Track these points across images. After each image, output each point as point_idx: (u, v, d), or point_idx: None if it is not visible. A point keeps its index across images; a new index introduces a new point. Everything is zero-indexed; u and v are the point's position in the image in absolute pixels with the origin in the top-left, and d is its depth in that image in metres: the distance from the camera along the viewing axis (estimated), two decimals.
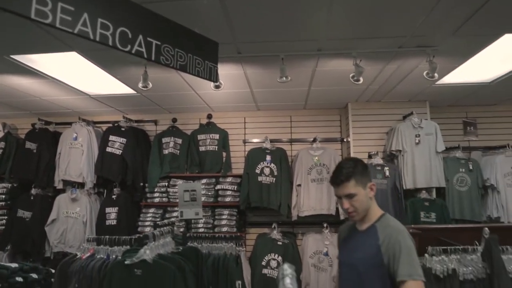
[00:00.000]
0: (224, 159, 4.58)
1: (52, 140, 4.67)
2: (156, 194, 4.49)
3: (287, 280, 0.92)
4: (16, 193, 4.64)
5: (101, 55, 2.93)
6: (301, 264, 4.12)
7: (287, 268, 1.00)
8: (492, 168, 4.19)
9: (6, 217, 4.57)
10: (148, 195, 4.52)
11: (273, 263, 4.07)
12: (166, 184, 4.50)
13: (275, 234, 4.20)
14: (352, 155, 4.35)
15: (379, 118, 4.44)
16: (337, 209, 4.09)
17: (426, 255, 2.11)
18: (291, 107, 4.75)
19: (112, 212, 4.36)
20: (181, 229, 3.49)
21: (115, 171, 4.42)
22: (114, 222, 4.32)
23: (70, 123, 4.64)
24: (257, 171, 4.37)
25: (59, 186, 4.49)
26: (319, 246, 4.15)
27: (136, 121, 4.88)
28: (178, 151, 4.64)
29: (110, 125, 4.67)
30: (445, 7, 2.24)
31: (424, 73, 3.01)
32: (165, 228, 2.48)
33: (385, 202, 3.98)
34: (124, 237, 2.62)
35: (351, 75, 3.05)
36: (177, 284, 2.09)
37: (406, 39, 2.71)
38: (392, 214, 3.95)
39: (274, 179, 4.35)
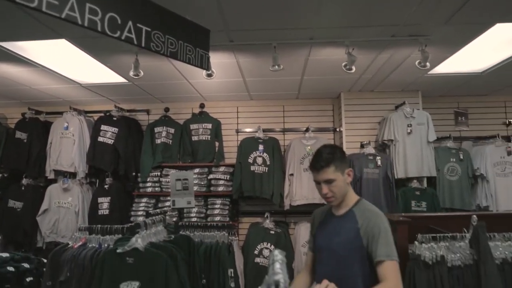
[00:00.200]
0: (216, 148, 4.57)
1: (42, 130, 4.62)
2: (149, 184, 4.48)
3: (277, 265, 0.92)
4: (7, 184, 4.59)
5: (91, 42, 2.88)
6: (293, 253, 4.16)
7: (278, 254, 1.00)
8: (482, 157, 4.24)
9: None
10: (141, 184, 4.51)
11: (266, 252, 4.10)
12: (159, 173, 4.49)
13: (268, 223, 4.23)
14: (344, 144, 4.37)
15: (372, 108, 4.45)
16: None
17: (415, 242, 2.13)
18: (284, 96, 4.75)
19: (104, 202, 4.35)
20: (174, 219, 3.49)
21: (107, 161, 4.39)
22: (106, 212, 4.31)
23: (61, 113, 4.59)
24: (250, 160, 4.38)
25: (51, 176, 4.47)
26: None
27: (128, 111, 4.84)
28: (171, 141, 4.62)
29: (102, 114, 4.63)
30: None
31: (416, 62, 3.02)
32: (157, 216, 2.48)
33: (376, 191, 4.02)
34: (116, 226, 2.61)
35: (343, 64, 3.05)
36: (169, 272, 2.09)
37: (399, 27, 2.70)
38: (384, 203, 4.05)
39: (266, 168, 4.36)
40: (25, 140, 4.54)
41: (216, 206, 4.34)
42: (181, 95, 4.55)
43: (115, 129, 4.46)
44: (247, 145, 4.45)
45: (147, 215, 2.77)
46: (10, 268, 2.46)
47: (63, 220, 4.30)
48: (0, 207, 4.48)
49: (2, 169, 4.67)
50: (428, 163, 4.09)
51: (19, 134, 4.56)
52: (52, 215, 4.31)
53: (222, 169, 4.46)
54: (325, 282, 1.36)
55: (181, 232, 2.71)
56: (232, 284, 2.79)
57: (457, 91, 4.48)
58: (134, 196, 4.54)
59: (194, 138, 4.60)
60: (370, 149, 4.17)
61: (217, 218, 4.27)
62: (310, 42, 2.95)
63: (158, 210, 4.01)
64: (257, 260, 4.10)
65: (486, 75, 3.79)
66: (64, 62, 3.39)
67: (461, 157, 4.24)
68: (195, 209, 4.28)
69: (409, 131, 4.10)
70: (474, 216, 2.10)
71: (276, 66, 3.02)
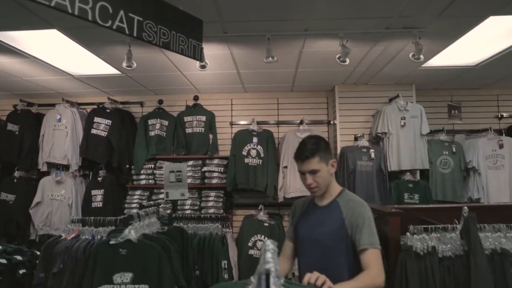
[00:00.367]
0: (210, 141, 4.57)
1: (35, 122, 4.57)
2: (142, 176, 4.47)
3: (268, 255, 0.92)
4: None
5: (83, 33, 2.85)
6: None
7: (269, 244, 1.00)
8: (474, 150, 4.27)
9: None
10: (134, 177, 4.50)
11: (260, 244, 4.12)
12: (153, 166, 4.48)
13: (262, 216, 4.24)
14: (338, 137, 4.38)
15: (366, 101, 4.46)
16: None
17: (407, 233, 2.14)
18: (278, 89, 4.74)
19: (98, 195, 4.33)
20: (168, 211, 3.49)
21: (101, 153, 4.36)
22: (100, 205, 4.29)
23: (53, 105, 4.53)
24: (244, 153, 4.37)
25: (43, 168, 4.43)
26: None
27: (122, 103, 4.80)
28: (165, 133, 4.60)
29: (95, 106, 4.60)
30: None
31: (410, 55, 3.03)
32: (150, 208, 2.47)
33: (370, 183, 4.04)
34: (109, 218, 2.60)
35: (337, 56, 3.04)
36: (162, 263, 2.09)
37: (393, 19, 2.70)
38: (377, 196, 4.08)
39: (260, 161, 4.36)
40: (16, 132, 4.50)
41: (210, 198, 4.35)
42: (175, 87, 4.52)
43: (109, 121, 4.43)
44: (241, 138, 4.44)
45: (141, 207, 2.77)
46: (3, 260, 2.46)
47: (56, 213, 4.28)
48: None
49: None
50: (421, 156, 4.12)
51: (10, 126, 4.51)
52: (45, 207, 4.29)
53: (216, 161, 4.46)
54: (316, 273, 1.36)
55: (174, 224, 2.71)
56: (226, 276, 2.80)
57: (451, 84, 4.50)
58: (127, 188, 4.53)
59: (188, 130, 4.59)
60: (364, 142, 4.18)
61: (211, 211, 4.27)
62: (305, 33, 2.93)
63: (151, 202, 4.03)
64: (251, 252, 4.12)
65: (479, 68, 3.80)
66: (56, 53, 3.34)
67: (454, 150, 4.27)
68: (189, 202, 4.28)
69: (402, 124, 4.11)
70: (465, 207, 2.11)
71: (270, 58, 3.01)
